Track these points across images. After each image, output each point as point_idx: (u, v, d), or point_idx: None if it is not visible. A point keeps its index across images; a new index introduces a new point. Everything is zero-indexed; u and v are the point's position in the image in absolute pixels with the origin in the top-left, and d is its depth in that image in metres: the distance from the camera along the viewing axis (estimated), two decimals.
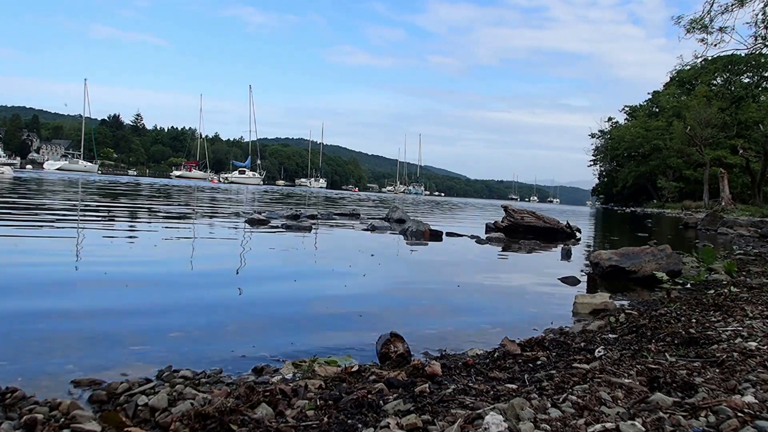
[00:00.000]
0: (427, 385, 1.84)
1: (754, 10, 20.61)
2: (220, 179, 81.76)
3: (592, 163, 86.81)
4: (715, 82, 64.61)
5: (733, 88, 60.13)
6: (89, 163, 74.03)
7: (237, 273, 4.38)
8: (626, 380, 1.82)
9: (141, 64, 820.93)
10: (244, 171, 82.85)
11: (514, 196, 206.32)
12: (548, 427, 1.43)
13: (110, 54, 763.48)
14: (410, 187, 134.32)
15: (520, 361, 2.25)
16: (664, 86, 77.31)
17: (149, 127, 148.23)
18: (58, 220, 7.71)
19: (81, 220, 7.95)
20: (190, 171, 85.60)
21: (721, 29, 20.95)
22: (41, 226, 6.84)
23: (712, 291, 4.11)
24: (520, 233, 9.67)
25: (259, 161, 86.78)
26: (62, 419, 1.53)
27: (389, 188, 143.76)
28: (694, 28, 21.25)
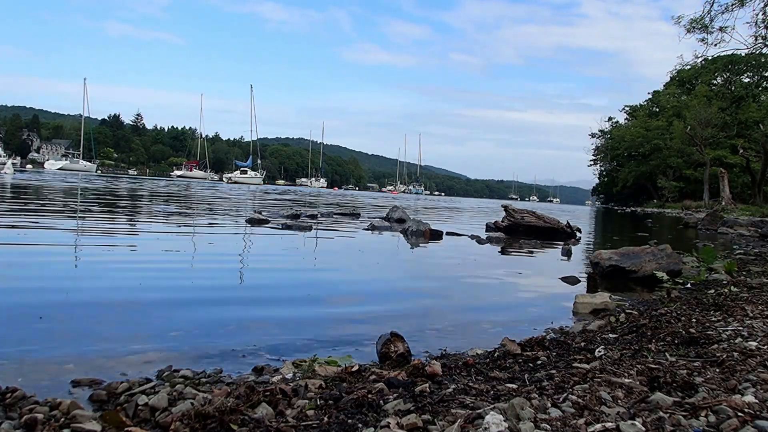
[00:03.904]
0: (427, 384, 1.83)
1: (754, 10, 20.62)
2: (223, 179, 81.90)
3: (592, 162, 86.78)
4: (715, 81, 64.66)
5: (733, 88, 60.19)
6: (89, 163, 74.19)
7: (237, 272, 4.38)
8: (626, 380, 1.82)
9: (151, 63, 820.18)
10: (246, 171, 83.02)
11: (514, 196, 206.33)
12: (548, 426, 1.43)
13: (119, 53, 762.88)
14: (410, 187, 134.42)
15: (521, 360, 2.25)
16: (664, 86, 77.30)
17: (149, 126, 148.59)
18: (61, 219, 7.71)
19: (83, 221, 7.95)
20: (191, 171, 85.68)
21: (721, 29, 20.97)
22: (43, 225, 6.84)
23: (712, 291, 4.11)
24: (521, 233, 9.67)
25: (259, 161, 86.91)
26: (62, 419, 1.53)
27: (389, 188, 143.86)
28: (694, 27, 21.27)
